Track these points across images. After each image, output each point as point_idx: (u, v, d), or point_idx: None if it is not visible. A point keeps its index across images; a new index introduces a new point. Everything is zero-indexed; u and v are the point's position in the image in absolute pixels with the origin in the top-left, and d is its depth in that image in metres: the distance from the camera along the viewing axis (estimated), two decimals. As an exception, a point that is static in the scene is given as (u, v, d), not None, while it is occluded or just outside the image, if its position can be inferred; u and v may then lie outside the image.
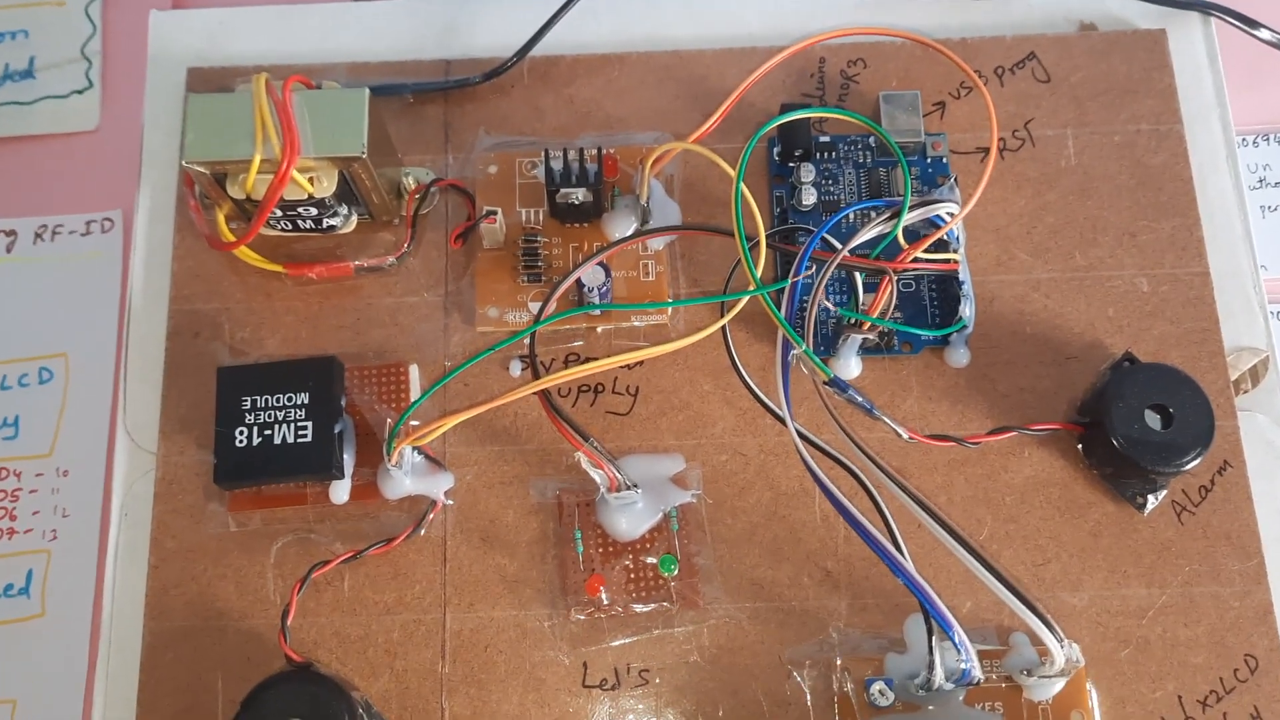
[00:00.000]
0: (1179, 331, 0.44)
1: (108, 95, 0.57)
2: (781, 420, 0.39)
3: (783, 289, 0.40)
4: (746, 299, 0.40)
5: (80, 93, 0.56)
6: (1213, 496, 0.42)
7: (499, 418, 0.43)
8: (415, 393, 0.43)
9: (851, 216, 0.45)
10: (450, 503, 0.42)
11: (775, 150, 0.46)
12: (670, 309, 0.44)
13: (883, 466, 0.37)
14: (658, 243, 0.45)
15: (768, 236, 0.41)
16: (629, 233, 0.45)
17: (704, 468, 0.43)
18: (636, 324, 0.44)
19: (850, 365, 0.43)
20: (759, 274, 0.39)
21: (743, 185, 0.39)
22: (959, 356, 0.44)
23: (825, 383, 0.39)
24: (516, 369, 0.44)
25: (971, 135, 0.47)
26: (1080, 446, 0.42)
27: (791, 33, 0.49)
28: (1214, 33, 0.49)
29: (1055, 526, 0.42)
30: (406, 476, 0.41)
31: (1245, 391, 0.44)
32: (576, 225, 0.45)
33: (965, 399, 0.43)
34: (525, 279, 0.44)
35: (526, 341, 0.42)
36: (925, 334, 0.42)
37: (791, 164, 0.46)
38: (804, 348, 0.38)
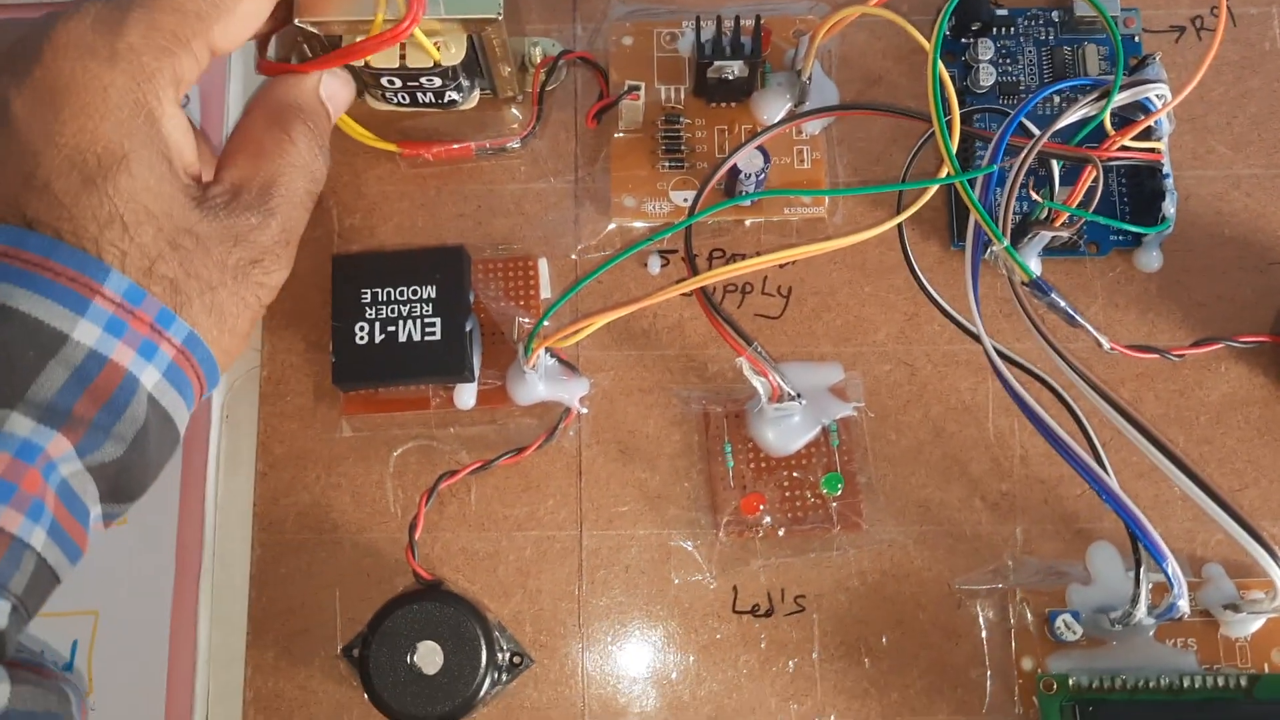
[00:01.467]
0: (1399, 235, 0.39)
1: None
2: (974, 335, 0.34)
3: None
4: (934, 189, 0.36)
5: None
6: None
7: (637, 320, 0.39)
8: (545, 289, 0.39)
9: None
10: (585, 410, 0.38)
11: (945, 25, 0.40)
12: (828, 200, 0.40)
13: (1090, 379, 0.33)
14: (814, 126, 0.40)
15: (963, 120, 0.36)
16: (782, 115, 0.40)
17: (865, 378, 0.39)
18: (790, 216, 0.40)
19: (1032, 266, 0.39)
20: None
21: (939, 62, 0.34)
22: (1151, 260, 0.39)
23: (1025, 284, 0.34)
24: (656, 266, 0.39)
25: (1165, 11, 0.41)
26: (1289, 363, 0.38)
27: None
28: None
29: (1254, 449, 0.38)
30: (540, 381, 0.37)
31: None
32: (724, 105, 0.40)
33: (1156, 307, 0.39)
34: (666, 165, 0.40)
35: (675, 236, 0.37)
36: (1129, 228, 0.38)
37: (966, 39, 0.40)
38: (1005, 244, 0.34)
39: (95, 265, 0.26)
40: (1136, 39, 0.41)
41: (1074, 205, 0.35)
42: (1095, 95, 0.35)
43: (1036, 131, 0.35)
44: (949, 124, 0.35)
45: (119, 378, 0.27)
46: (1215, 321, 0.39)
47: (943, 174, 0.34)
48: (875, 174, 0.40)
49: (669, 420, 0.38)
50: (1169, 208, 0.37)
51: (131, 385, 0.27)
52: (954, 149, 0.34)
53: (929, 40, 0.34)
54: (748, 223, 0.40)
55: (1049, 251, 0.39)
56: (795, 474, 0.37)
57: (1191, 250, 0.39)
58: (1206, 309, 0.39)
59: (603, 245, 0.40)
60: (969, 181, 0.35)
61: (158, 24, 0.29)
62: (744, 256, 0.40)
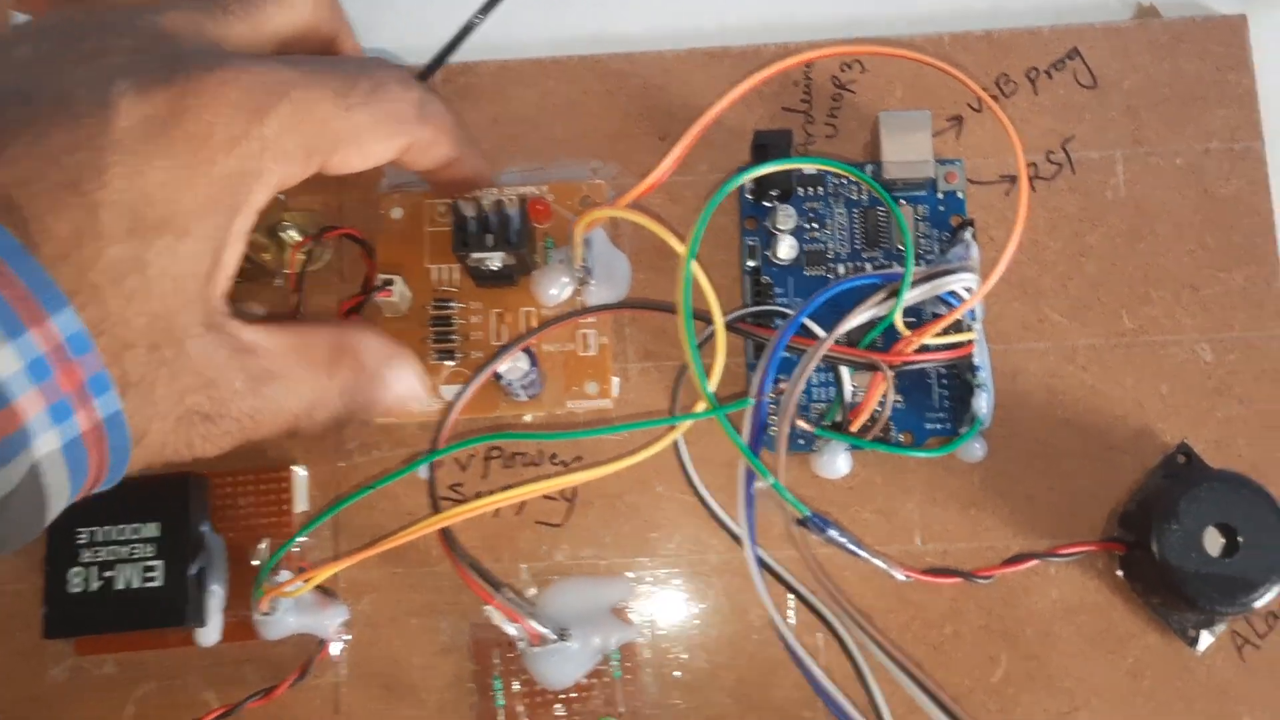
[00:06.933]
0: (1250, 414, 0.35)
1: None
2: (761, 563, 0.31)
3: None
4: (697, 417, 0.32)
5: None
6: (1284, 627, 0.34)
7: (405, 532, 0.35)
8: (301, 502, 0.35)
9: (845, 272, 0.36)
10: (345, 640, 0.35)
11: (745, 186, 0.37)
12: (617, 387, 0.36)
13: (871, 634, 0.30)
14: (600, 302, 0.36)
15: (732, 322, 0.32)
16: (565, 295, 0.36)
17: (656, 593, 0.35)
18: (574, 409, 0.36)
19: (837, 463, 0.35)
20: (713, 380, 0.31)
21: (694, 265, 0.30)
22: (972, 450, 0.35)
23: (798, 521, 0.31)
24: (425, 471, 0.36)
25: (995, 160, 0.37)
26: (1120, 571, 0.34)
27: (774, 24, 0.39)
28: (1307, 17, 0.39)
29: (1086, 665, 0.34)
30: (289, 613, 0.34)
31: (1329, 487, 0.36)
32: (499, 288, 0.36)
33: (979, 502, 0.35)
34: (436, 356, 0.36)
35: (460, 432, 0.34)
36: (923, 454, 0.34)
37: (768, 203, 0.36)
38: (771, 481, 0.30)
39: (54, 295, 0.22)
40: (960, 195, 0.37)
41: (860, 421, 0.32)
42: (883, 295, 0.32)
43: (821, 334, 0.32)
44: (711, 336, 0.31)
45: (9, 428, 0.22)
46: (1046, 517, 0.35)
47: (699, 407, 0.30)
48: (672, 356, 0.36)
49: (438, 649, 0.35)
50: (979, 404, 0.33)
51: (17, 444, 0.22)
52: (709, 377, 0.30)
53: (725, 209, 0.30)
54: (527, 417, 0.36)
55: (860, 442, 0.35)
56: (576, 706, 0.34)
57: (1019, 435, 0.35)
58: (1035, 503, 0.35)
59: (368, 447, 0.36)
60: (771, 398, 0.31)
61: (298, 128, 0.26)
62: (524, 455, 0.36)
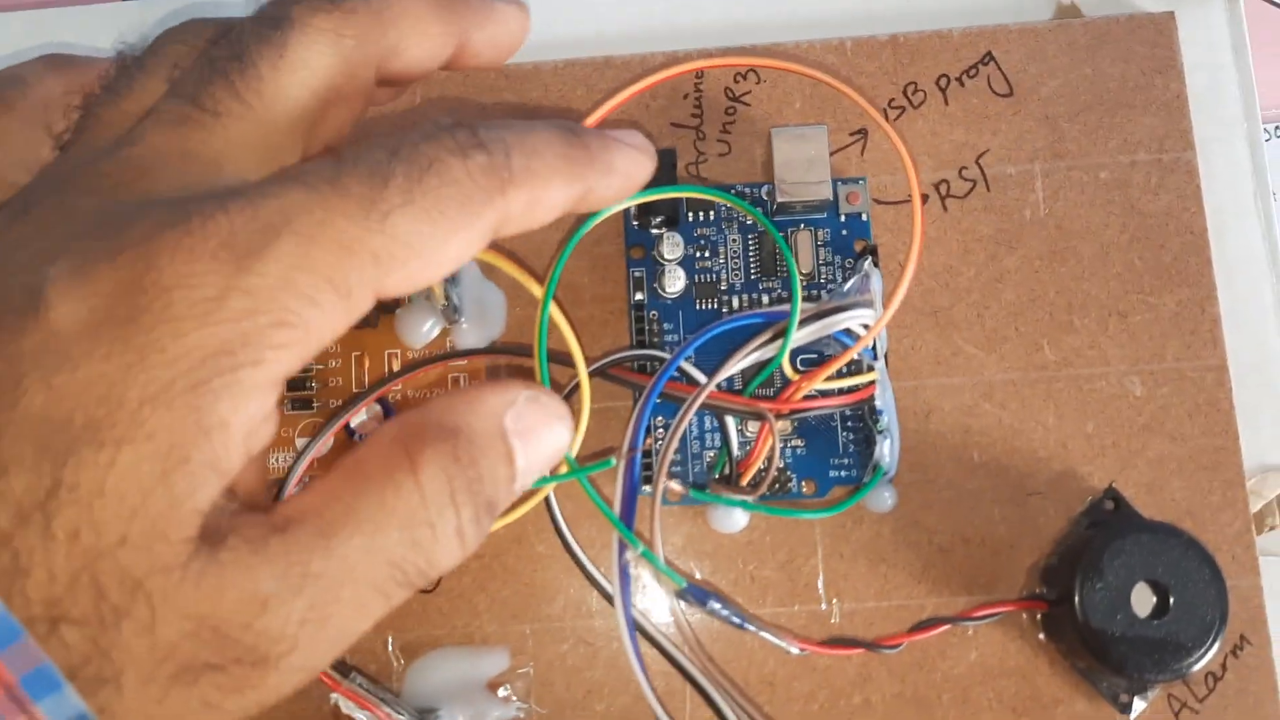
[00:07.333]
0: (1183, 452, 0.32)
1: None
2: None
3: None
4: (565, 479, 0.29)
5: None
6: (1224, 687, 0.31)
7: (257, 602, 0.32)
8: (142, 572, 0.32)
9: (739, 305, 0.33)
10: (190, 727, 0.31)
11: (630, 212, 0.33)
12: (492, 437, 0.33)
13: (754, 716, 0.26)
14: (470, 343, 0.33)
15: (603, 368, 0.29)
16: (433, 335, 0.33)
17: (535, 664, 0.32)
18: (445, 461, 0.33)
19: (734, 516, 0.32)
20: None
21: (553, 306, 0.27)
22: (880, 499, 0.32)
23: (677, 594, 0.27)
24: (280, 533, 0.32)
25: (904, 177, 0.34)
26: (1041, 632, 0.31)
27: (662, 32, 0.36)
28: (1242, 13, 0.36)
29: (1009, 735, 0.31)
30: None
31: (1271, 529, 0.33)
32: (360, 328, 0.33)
33: (890, 556, 0.32)
34: (290, 405, 0.32)
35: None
36: (815, 515, 0.31)
37: (654, 230, 0.33)
38: (641, 549, 0.27)
39: None
40: (864, 217, 0.33)
41: (749, 475, 0.28)
42: (769, 336, 0.28)
43: (701, 379, 0.28)
44: (575, 387, 0.28)
45: None
46: (962, 572, 0.32)
47: (561, 469, 0.27)
48: (550, 402, 0.33)
49: (295, 731, 0.31)
50: (882, 452, 0.30)
51: None
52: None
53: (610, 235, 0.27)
54: (393, 473, 0.33)
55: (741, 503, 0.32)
56: (448, 792, 0.31)
57: (933, 481, 0.32)
58: (950, 556, 0.32)
59: (218, 508, 0.33)
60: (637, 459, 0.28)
61: (310, 262, 0.19)
62: (390, 515, 0.33)
